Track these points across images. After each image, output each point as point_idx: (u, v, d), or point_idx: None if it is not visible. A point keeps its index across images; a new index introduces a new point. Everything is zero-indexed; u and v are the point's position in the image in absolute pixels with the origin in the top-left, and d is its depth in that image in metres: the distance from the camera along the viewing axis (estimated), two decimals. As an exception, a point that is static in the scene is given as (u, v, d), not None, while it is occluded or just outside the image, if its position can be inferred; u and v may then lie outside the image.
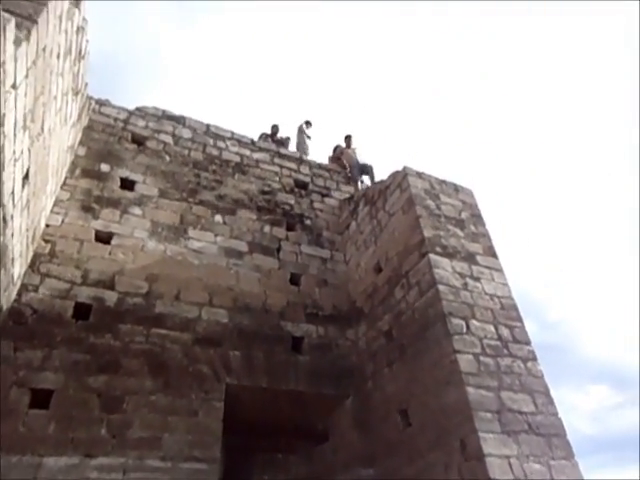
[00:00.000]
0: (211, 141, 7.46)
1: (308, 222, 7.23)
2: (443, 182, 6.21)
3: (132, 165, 6.43)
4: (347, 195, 7.88)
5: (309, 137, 9.52)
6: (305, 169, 8.07)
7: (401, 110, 40.86)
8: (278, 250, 6.59)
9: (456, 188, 6.26)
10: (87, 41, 5.42)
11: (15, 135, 3.16)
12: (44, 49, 3.46)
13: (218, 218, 6.48)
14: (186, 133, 7.33)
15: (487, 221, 5.95)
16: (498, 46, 37.84)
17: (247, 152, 7.67)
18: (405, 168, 6.09)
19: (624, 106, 33.47)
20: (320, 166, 8.34)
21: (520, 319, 5.03)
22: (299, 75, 38.13)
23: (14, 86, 2.92)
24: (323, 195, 7.83)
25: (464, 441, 3.95)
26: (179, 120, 7.45)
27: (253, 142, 7.95)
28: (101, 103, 6.89)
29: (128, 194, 6.09)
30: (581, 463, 4.09)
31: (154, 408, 4.52)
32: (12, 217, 3.61)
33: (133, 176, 6.30)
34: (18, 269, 4.38)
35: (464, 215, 5.90)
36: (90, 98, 6.61)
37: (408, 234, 5.53)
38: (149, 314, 5.13)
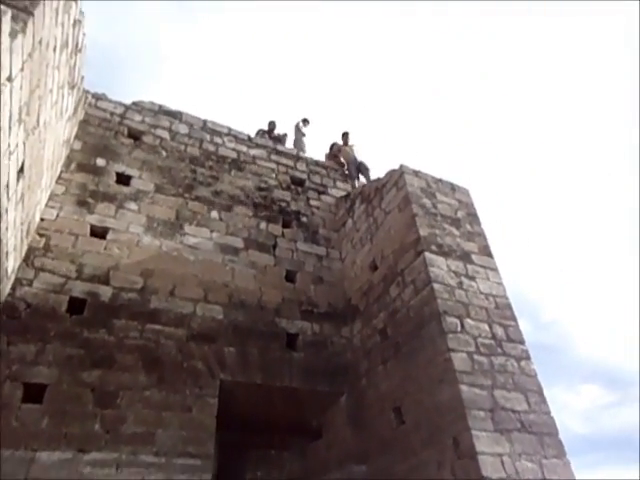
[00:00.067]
0: (208, 137, 7.44)
1: (304, 219, 7.23)
2: (439, 181, 6.22)
3: (128, 160, 6.41)
4: (344, 193, 7.88)
5: (304, 135, 9.50)
6: (302, 166, 8.06)
7: (401, 109, 40.84)
8: (274, 247, 6.59)
9: (452, 187, 6.27)
10: (84, 34, 5.38)
11: (10, 128, 3.14)
12: (40, 42, 3.43)
13: (214, 214, 6.47)
14: (183, 128, 7.31)
15: (483, 220, 5.98)
16: (498, 46, 37.85)
17: (244, 148, 7.65)
18: (402, 166, 6.09)
19: (624, 106, 33.56)
20: (317, 163, 8.33)
21: (514, 318, 5.05)
22: (299, 74, 38.02)
23: (9, 79, 2.89)
24: (319, 192, 7.83)
25: (457, 439, 3.98)
26: (176, 115, 7.42)
27: (250, 138, 7.93)
28: (97, 97, 6.85)
29: (124, 189, 6.06)
30: (573, 462, 4.13)
31: (148, 403, 4.52)
32: (6, 210, 3.59)
33: (129, 171, 6.28)
34: (12, 263, 4.36)
35: (460, 214, 5.92)
36: (86, 92, 6.57)
37: (404, 232, 5.54)
38: (144, 309, 5.12)
